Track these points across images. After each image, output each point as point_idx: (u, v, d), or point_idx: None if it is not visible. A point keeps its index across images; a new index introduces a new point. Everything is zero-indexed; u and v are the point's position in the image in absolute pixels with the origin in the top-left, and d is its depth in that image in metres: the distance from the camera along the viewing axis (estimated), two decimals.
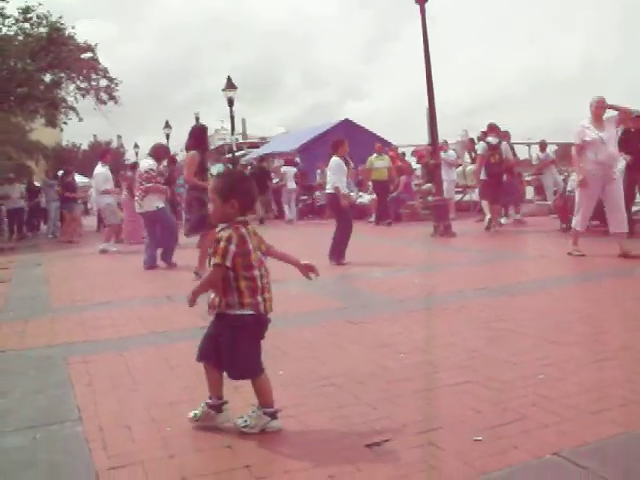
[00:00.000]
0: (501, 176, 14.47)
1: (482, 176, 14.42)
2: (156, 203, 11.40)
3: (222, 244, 3.50)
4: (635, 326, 5.46)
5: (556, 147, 23.81)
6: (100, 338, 6.16)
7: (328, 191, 10.77)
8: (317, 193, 22.91)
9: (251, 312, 3.55)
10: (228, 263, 3.49)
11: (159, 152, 12.09)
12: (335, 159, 10.73)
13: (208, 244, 9.33)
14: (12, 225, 22.92)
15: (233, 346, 3.56)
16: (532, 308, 6.35)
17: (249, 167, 26.33)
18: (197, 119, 40.28)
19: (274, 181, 23.53)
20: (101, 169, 15.75)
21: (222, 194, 3.63)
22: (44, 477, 3.23)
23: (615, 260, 9.20)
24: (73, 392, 4.51)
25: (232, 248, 3.50)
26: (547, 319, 5.88)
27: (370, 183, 19.65)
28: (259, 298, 3.58)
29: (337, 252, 10.31)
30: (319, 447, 3.36)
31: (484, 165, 14.31)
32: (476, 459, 3.08)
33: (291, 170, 23.39)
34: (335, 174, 10.57)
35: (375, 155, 19.02)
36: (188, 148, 9.92)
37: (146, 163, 11.76)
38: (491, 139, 14.53)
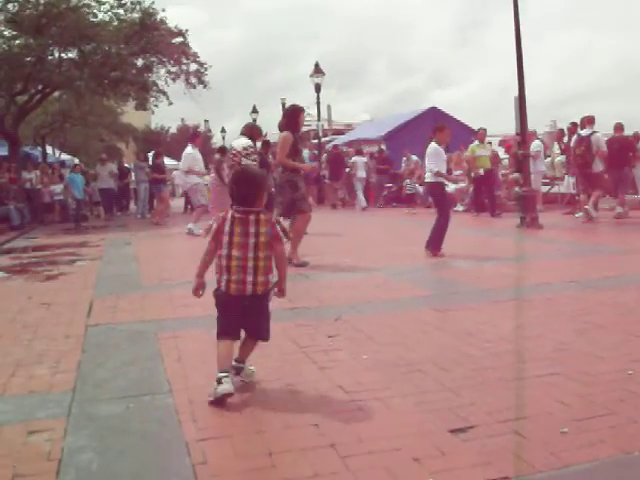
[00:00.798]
0: (588, 167, 14.53)
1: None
2: None
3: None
4: None
5: None
6: (189, 315, 6.32)
7: (428, 180, 10.36)
8: (407, 181, 22.47)
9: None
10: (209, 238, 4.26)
11: (254, 131, 11.68)
12: (433, 145, 10.25)
13: (301, 227, 9.43)
14: (102, 204, 23.70)
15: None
16: (620, 303, 6.22)
17: (325, 154, 26.47)
18: (283, 105, 40.56)
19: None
20: (191, 150, 15.80)
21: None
22: (137, 444, 3.36)
23: None
24: (163, 366, 4.67)
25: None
26: (635, 315, 5.75)
27: (473, 173, 18.08)
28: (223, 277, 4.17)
29: (435, 242, 9.88)
30: (404, 430, 3.39)
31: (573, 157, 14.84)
32: (562, 450, 3.06)
33: (361, 160, 23.52)
34: (432, 162, 10.12)
35: (477, 143, 17.98)
36: (281, 128, 9.73)
37: (242, 141, 11.20)
38: (583, 131, 14.63)
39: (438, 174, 10.03)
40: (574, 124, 17.21)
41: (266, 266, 4.11)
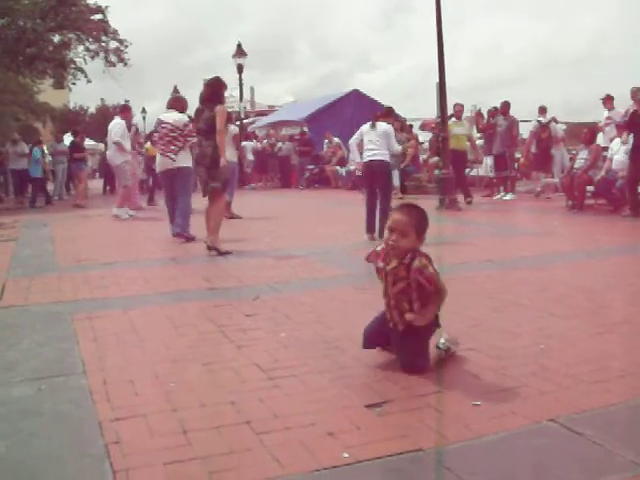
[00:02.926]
0: (549, 150, 16.52)
1: (533, 150, 16.88)
2: (189, 162, 10.34)
3: (432, 269, 3.89)
4: (635, 301, 5.51)
5: (564, 126, 23.67)
6: (106, 296, 6.22)
7: (379, 158, 9.75)
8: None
9: None
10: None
11: (182, 103, 10.88)
12: (390, 127, 10.06)
13: (218, 211, 8.90)
14: (17, 186, 22.73)
15: None
16: (535, 281, 6.38)
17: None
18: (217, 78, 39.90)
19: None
20: (118, 120, 14.75)
21: (420, 230, 3.95)
22: (49, 425, 3.28)
23: (619, 238, 9.23)
24: (78, 347, 4.57)
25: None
26: (549, 292, 5.91)
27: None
28: None
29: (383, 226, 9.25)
30: (320, 406, 3.41)
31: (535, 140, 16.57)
32: (474, 422, 3.13)
33: (249, 144, 25.24)
34: (391, 140, 9.89)
35: (453, 120, 15.98)
36: (205, 99, 8.96)
37: (177, 116, 10.49)
38: (542, 118, 16.71)
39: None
40: (495, 108, 17.60)
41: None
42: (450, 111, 15.60)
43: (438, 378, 3.81)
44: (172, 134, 10.30)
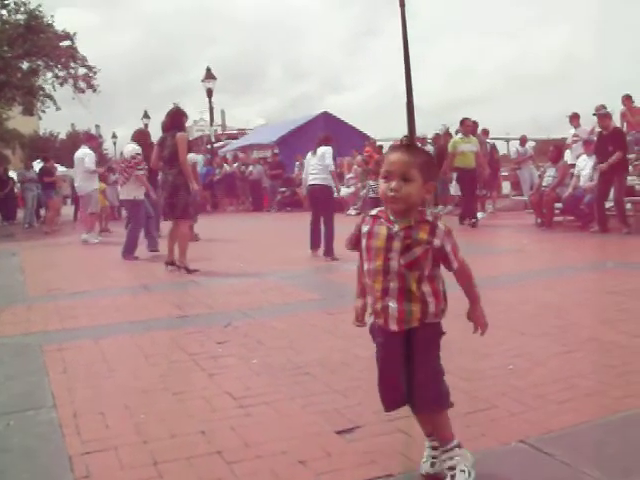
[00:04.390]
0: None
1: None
2: (135, 193, 11.33)
3: (454, 240, 2.82)
4: (603, 318, 5.57)
5: (534, 143, 23.97)
6: (76, 326, 6.17)
7: (319, 182, 10.27)
8: (371, 183, 18.33)
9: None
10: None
11: (143, 136, 11.94)
12: (328, 148, 10.42)
13: (183, 235, 9.30)
14: None
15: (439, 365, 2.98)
16: (504, 301, 6.43)
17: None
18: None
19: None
20: (88, 151, 14.91)
21: (424, 171, 2.74)
22: (18, 462, 3.24)
23: (588, 254, 9.35)
24: (48, 379, 4.53)
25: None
26: (519, 311, 5.98)
27: (454, 173, 15.43)
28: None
29: (332, 247, 9.98)
30: (291, 433, 3.41)
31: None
32: None
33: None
34: (325, 160, 10.23)
35: (460, 136, 14.78)
36: (166, 128, 9.50)
37: (130, 147, 11.50)
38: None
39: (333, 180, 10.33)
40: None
41: None
42: (421, 131, 15.77)
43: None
44: (122, 165, 11.45)
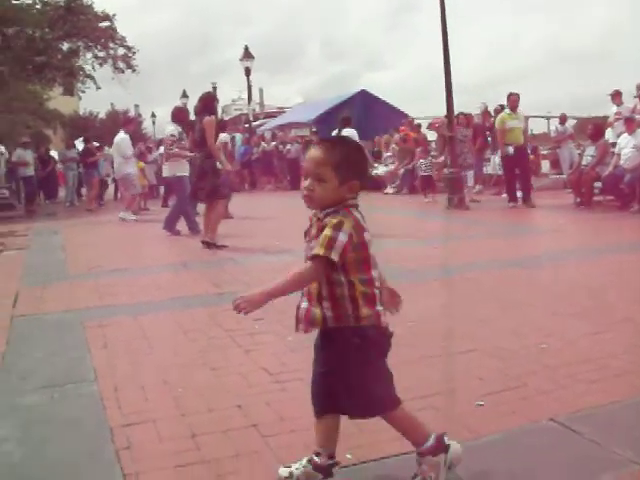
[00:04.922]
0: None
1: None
2: (175, 171, 11.63)
3: (331, 233, 2.52)
4: (638, 299, 5.54)
5: (574, 121, 23.69)
6: (116, 303, 6.32)
7: None
8: (422, 161, 17.46)
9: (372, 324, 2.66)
10: (335, 257, 2.51)
11: (180, 114, 12.01)
12: (352, 131, 10.81)
13: (222, 212, 9.70)
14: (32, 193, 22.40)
15: (354, 372, 2.68)
16: (540, 280, 6.45)
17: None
18: (214, 89, 40.27)
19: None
20: (124, 135, 15.44)
21: (341, 171, 2.61)
22: (61, 433, 3.38)
23: (627, 235, 9.27)
24: (89, 354, 4.66)
25: (343, 238, 2.53)
26: (552, 291, 5.98)
27: (500, 151, 14.68)
28: (379, 307, 2.70)
29: None
30: None
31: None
32: (475, 423, 3.20)
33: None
34: None
35: (507, 112, 14.29)
36: (198, 112, 9.86)
37: (169, 129, 12.01)
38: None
39: None
40: (501, 106, 17.60)
41: None
42: (463, 109, 15.51)
43: (442, 379, 3.89)
44: (165, 145, 12.08)
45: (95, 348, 4.81)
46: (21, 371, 4.39)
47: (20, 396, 3.91)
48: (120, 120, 23.84)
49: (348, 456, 2.91)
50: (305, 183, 2.64)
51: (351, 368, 2.66)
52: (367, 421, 3.28)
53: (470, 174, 15.30)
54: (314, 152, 2.64)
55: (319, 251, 2.52)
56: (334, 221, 2.54)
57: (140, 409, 3.59)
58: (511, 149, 13.77)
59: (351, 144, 2.82)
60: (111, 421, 3.43)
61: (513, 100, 14.21)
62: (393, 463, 2.87)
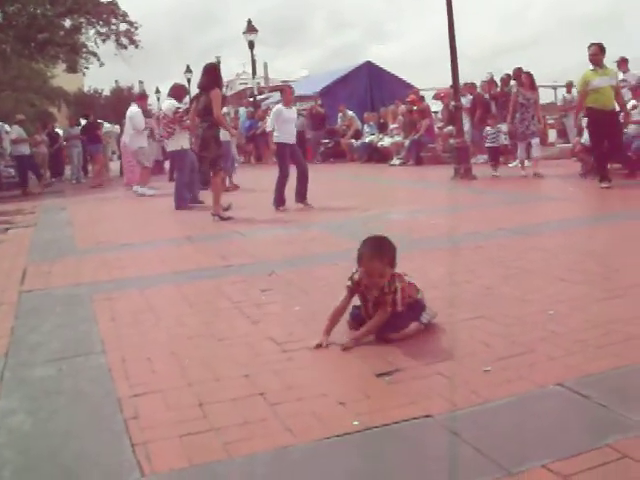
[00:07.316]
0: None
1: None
2: (181, 143, 11.85)
3: (400, 295, 4.09)
4: None
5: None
6: (123, 277, 6.34)
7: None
8: (488, 129, 15.29)
9: None
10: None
11: (179, 91, 12.56)
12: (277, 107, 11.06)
13: (220, 184, 9.90)
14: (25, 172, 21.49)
15: None
16: (547, 248, 6.41)
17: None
18: (218, 63, 39.99)
19: None
20: (137, 109, 15.64)
21: (392, 262, 4.12)
22: (70, 404, 3.40)
23: (634, 202, 9.24)
24: (97, 327, 4.69)
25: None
26: (560, 258, 5.95)
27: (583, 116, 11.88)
28: None
29: (278, 197, 10.74)
30: (332, 376, 3.52)
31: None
32: (483, 388, 3.20)
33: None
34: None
35: (591, 67, 11.02)
36: (202, 86, 9.87)
37: (168, 103, 12.23)
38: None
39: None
40: (507, 75, 17.47)
41: None
42: (469, 79, 15.16)
43: (448, 346, 3.89)
44: (164, 121, 12.11)
45: (103, 321, 4.84)
46: (30, 344, 4.42)
47: (29, 369, 3.94)
48: (124, 97, 23.78)
49: (355, 423, 2.90)
50: (373, 279, 4.06)
51: None
52: (373, 387, 3.30)
53: (535, 142, 13.72)
54: (375, 263, 4.03)
55: (399, 308, 4.09)
56: (397, 285, 4.09)
57: (147, 380, 3.60)
58: (584, 121, 11.36)
59: (387, 241, 4.17)
60: (119, 392, 3.45)
61: (595, 54, 10.94)
62: (399, 428, 2.86)
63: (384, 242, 4.17)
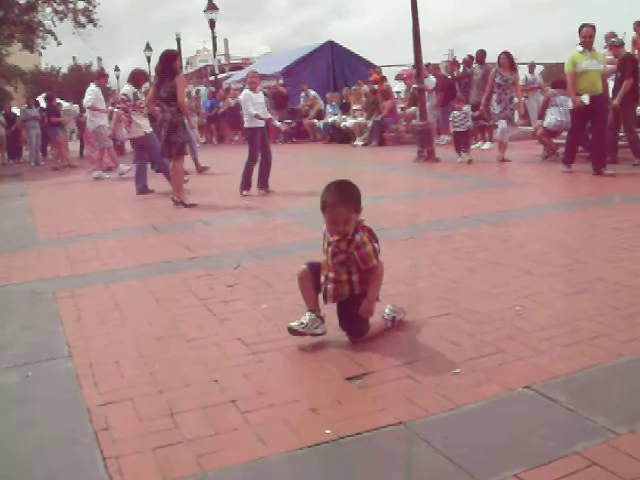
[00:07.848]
0: None
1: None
2: (144, 128, 11.95)
3: (370, 247, 3.97)
4: (611, 257, 5.55)
5: (542, 67, 23.62)
6: (87, 272, 6.26)
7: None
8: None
9: None
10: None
11: (138, 77, 12.61)
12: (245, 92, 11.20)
13: (178, 171, 9.93)
14: None
15: None
16: (512, 238, 6.45)
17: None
18: (178, 40, 39.58)
19: None
20: (96, 88, 15.48)
21: (358, 208, 3.96)
22: (38, 413, 3.35)
23: (595, 188, 9.34)
24: (62, 327, 4.62)
25: (377, 246, 4.03)
26: (526, 249, 6.00)
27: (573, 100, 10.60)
28: None
29: (245, 181, 10.81)
30: (302, 380, 3.52)
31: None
32: (452, 392, 3.22)
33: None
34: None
35: (580, 49, 10.54)
36: (159, 73, 9.93)
37: (124, 89, 12.51)
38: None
39: (257, 117, 10.62)
40: (470, 56, 17.52)
41: None
42: (428, 58, 15.16)
43: (417, 346, 3.90)
44: (123, 105, 12.22)
45: (68, 320, 4.77)
46: None
47: None
48: (83, 75, 23.30)
49: (327, 431, 2.91)
50: (337, 228, 3.91)
51: None
52: (344, 392, 3.31)
53: (502, 124, 13.40)
54: (339, 209, 3.86)
55: (375, 261, 3.99)
56: (365, 239, 3.95)
57: (117, 386, 3.56)
58: (586, 98, 10.35)
59: (351, 186, 4.00)
60: (88, 400, 3.40)
61: (586, 34, 10.50)
62: (371, 437, 2.87)
63: (349, 186, 4.00)
